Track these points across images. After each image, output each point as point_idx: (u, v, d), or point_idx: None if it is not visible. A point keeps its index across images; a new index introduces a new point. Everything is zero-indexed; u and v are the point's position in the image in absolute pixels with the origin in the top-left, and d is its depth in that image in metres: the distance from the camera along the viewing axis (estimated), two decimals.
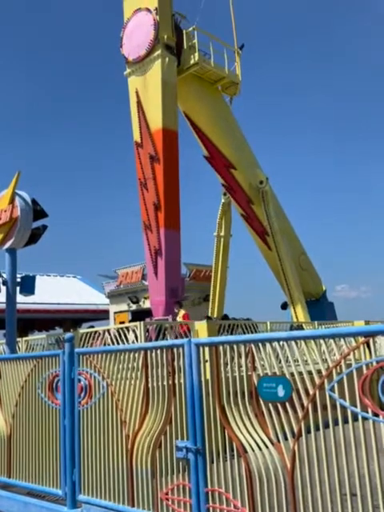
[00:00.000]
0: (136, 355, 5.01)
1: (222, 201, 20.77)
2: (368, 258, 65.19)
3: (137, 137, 15.98)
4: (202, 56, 17.01)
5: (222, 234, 20.97)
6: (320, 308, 20.33)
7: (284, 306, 20.12)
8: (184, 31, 16.82)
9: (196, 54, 16.70)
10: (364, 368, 3.46)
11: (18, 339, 11.56)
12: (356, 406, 3.48)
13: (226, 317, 16.87)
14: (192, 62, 16.74)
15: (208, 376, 4.44)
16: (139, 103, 15.93)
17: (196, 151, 19.18)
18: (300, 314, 17.69)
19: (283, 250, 18.09)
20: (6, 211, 9.63)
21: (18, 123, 66.97)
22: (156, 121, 15.48)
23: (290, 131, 70.33)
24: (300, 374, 3.84)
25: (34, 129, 71.24)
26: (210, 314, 20.06)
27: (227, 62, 17.90)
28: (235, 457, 4.14)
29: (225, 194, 20.38)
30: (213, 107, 17.97)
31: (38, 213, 9.77)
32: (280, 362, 4.01)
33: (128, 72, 16.56)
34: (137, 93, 16.06)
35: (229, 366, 4.31)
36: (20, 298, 9.86)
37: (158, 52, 15.67)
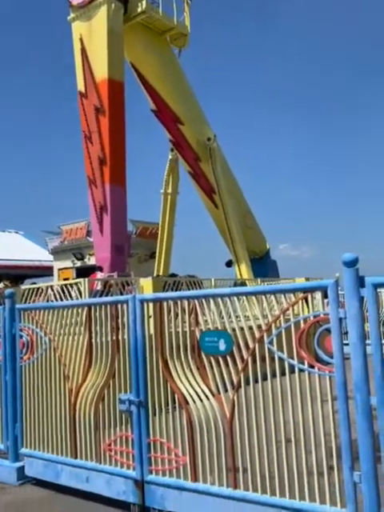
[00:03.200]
0: (79, 311, 4.97)
1: (170, 157, 20.51)
2: (310, 219, 66.95)
3: (81, 86, 15.34)
4: (150, 4, 16.35)
5: (169, 191, 20.81)
6: (263, 266, 20.84)
7: (229, 264, 20.46)
8: None
9: (143, 2, 16.03)
10: (302, 322, 3.59)
11: None
12: (293, 359, 3.62)
13: (174, 275, 16.98)
14: (139, 9, 16.08)
15: (152, 331, 4.48)
16: (84, 51, 15.22)
17: (144, 104, 18.71)
18: (244, 271, 18.07)
19: (229, 208, 18.23)
20: None
21: None
22: (101, 71, 14.88)
23: (240, 88, 69.71)
24: (241, 329, 3.93)
25: None
26: (156, 271, 20.14)
27: (176, 12, 17.32)
28: (177, 409, 4.25)
29: (172, 150, 20.11)
30: (160, 58, 17.46)
31: None
32: (223, 318, 4.09)
33: (72, 17, 15.71)
34: (81, 40, 15.32)
35: (173, 323, 4.35)
36: None
37: None
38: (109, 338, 4.69)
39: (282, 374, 3.70)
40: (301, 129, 70.07)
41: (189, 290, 11.67)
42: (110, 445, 4.61)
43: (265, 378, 3.77)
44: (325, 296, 3.58)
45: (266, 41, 67.75)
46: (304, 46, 67.86)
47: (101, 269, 14.23)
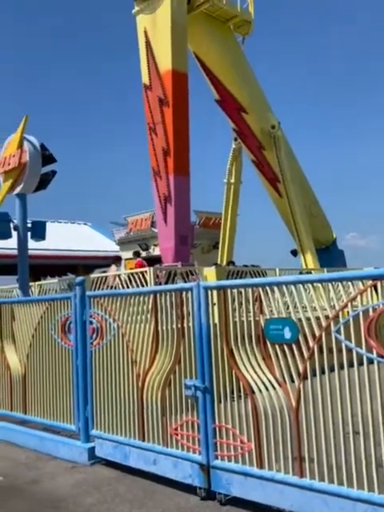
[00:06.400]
0: (146, 298, 5.09)
1: (233, 146, 20.43)
2: (379, 207, 64.38)
3: (145, 79, 15.55)
4: None
5: (232, 180, 20.75)
6: (330, 255, 20.33)
7: (294, 253, 20.12)
8: None
9: None
10: (371, 311, 3.49)
11: (31, 284, 11.74)
12: (362, 349, 3.53)
13: (232, 263, 16.95)
14: None
15: (216, 320, 4.52)
16: (148, 43, 15.39)
17: (207, 95, 18.69)
18: (310, 261, 17.72)
19: (294, 196, 17.90)
20: (14, 156, 9.53)
21: (17, 65, 64.85)
22: (165, 62, 15.00)
23: (305, 73, 67.89)
24: (308, 319, 3.87)
25: (33, 70, 69.11)
26: (219, 261, 20.18)
27: None
28: (242, 396, 4.27)
29: (236, 140, 20.01)
30: (224, 47, 17.34)
31: (47, 158, 9.67)
32: (288, 307, 4.04)
33: (136, 10, 15.91)
34: (145, 32, 15.49)
35: (237, 311, 4.36)
36: (32, 244, 9.93)
37: None
38: (174, 325, 4.78)
39: (350, 365, 3.61)
40: (372, 114, 67.30)
41: None
42: (176, 429, 4.71)
43: (332, 370, 3.70)
44: None
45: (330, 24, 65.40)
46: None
47: (138, 254, 14.64)
